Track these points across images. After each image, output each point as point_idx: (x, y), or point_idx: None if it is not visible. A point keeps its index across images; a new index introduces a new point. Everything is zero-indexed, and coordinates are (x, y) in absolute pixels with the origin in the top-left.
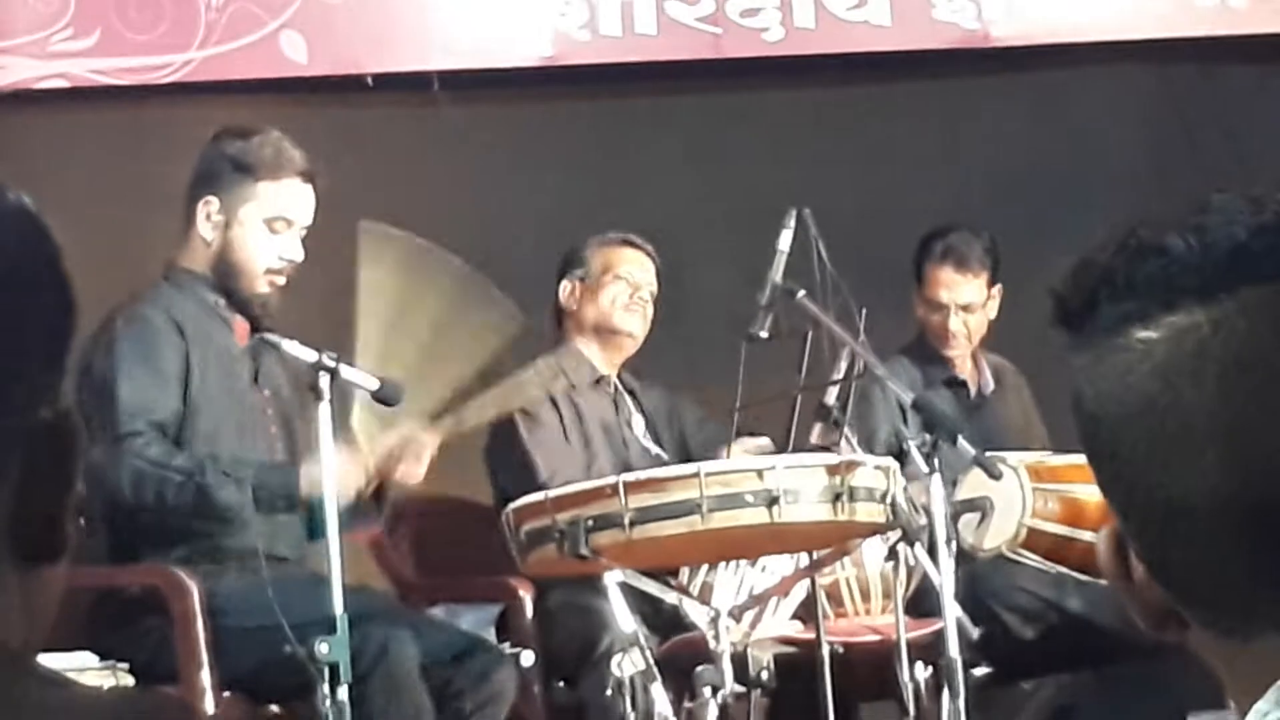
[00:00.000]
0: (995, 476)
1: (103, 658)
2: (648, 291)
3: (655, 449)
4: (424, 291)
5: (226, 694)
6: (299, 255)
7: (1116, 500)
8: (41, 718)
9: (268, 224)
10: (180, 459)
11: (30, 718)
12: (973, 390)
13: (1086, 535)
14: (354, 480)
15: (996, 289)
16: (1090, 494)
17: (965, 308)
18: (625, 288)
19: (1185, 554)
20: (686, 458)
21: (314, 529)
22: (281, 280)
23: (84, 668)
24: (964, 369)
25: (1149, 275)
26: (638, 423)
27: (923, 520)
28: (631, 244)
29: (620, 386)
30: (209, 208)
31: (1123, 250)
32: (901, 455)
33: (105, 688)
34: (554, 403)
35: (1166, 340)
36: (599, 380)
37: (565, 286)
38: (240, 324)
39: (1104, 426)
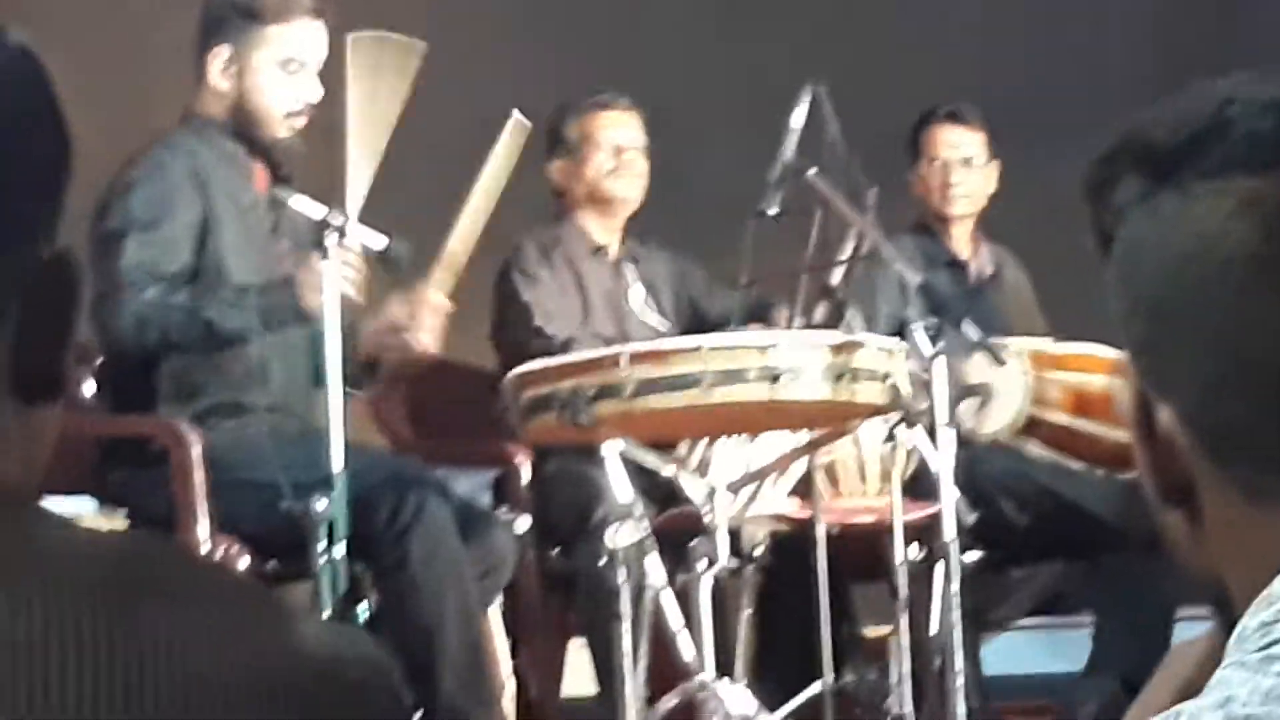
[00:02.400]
0: (1000, 362)
1: (101, 504)
2: (634, 149)
3: (655, 319)
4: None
5: (225, 546)
6: (316, 95)
7: (1180, 353)
8: (42, 555)
9: (281, 67)
10: (180, 295)
11: (31, 555)
12: (972, 273)
13: (1087, 424)
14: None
15: (995, 163)
16: (1092, 382)
17: (966, 162)
18: (609, 153)
19: (1248, 409)
20: (693, 322)
21: (319, 377)
22: (301, 122)
23: (82, 514)
24: (964, 250)
25: (1263, 131)
26: (637, 292)
27: (924, 403)
28: (604, 105)
29: (622, 255)
30: (220, 57)
31: (1232, 101)
32: (903, 336)
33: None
34: (552, 266)
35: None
36: (598, 250)
37: (554, 166)
38: (260, 172)
39: (1193, 274)
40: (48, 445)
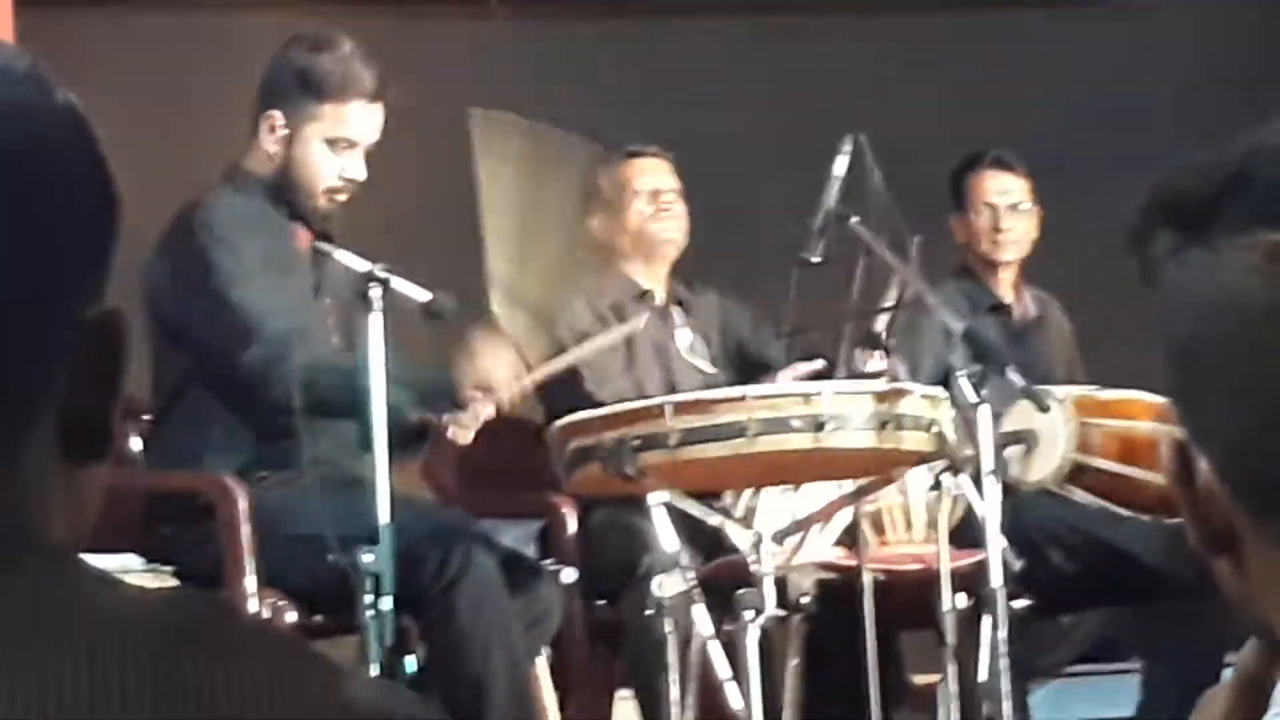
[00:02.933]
0: (1044, 408)
1: (147, 560)
2: (671, 192)
3: (702, 365)
4: (550, 175)
5: (272, 601)
6: (361, 174)
7: (1211, 406)
8: (89, 613)
9: (330, 144)
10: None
11: (78, 613)
12: (1016, 317)
13: (1133, 470)
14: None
15: (1037, 209)
16: (1137, 428)
17: (1014, 208)
18: (646, 199)
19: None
20: (741, 364)
21: (365, 441)
22: (342, 198)
23: (128, 569)
24: (1008, 294)
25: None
26: (683, 337)
27: (969, 450)
28: (636, 154)
29: (669, 300)
30: (272, 121)
31: (1249, 154)
32: (948, 384)
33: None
34: (600, 320)
35: None
36: (643, 295)
37: (594, 221)
38: (303, 233)
39: (1219, 326)
40: (95, 503)
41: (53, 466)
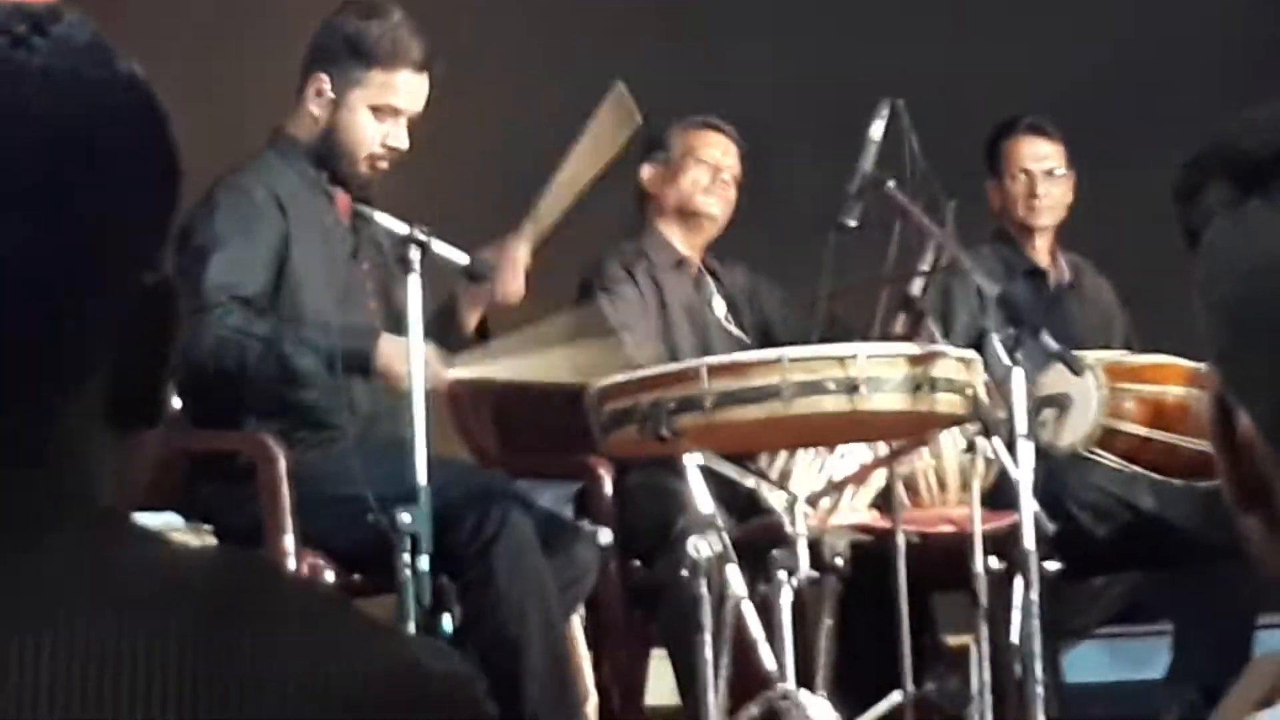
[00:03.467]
0: (1078, 372)
1: (188, 519)
2: (729, 174)
3: (736, 331)
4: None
5: (311, 560)
6: (404, 144)
7: (1258, 361)
8: (139, 573)
9: (374, 111)
10: (261, 326)
11: (129, 572)
12: (1052, 282)
13: (1164, 435)
14: (431, 375)
15: (1072, 173)
16: (1169, 393)
17: (1049, 174)
18: (706, 170)
19: None
20: (768, 339)
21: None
22: (384, 165)
23: (170, 527)
24: (1044, 259)
25: None
26: (719, 305)
27: (1002, 413)
28: (714, 127)
29: (703, 268)
30: (319, 84)
31: None
32: (982, 347)
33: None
34: (635, 282)
35: None
36: (680, 262)
37: (647, 170)
38: (342, 197)
39: (1268, 282)
40: (146, 468)
41: (101, 430)
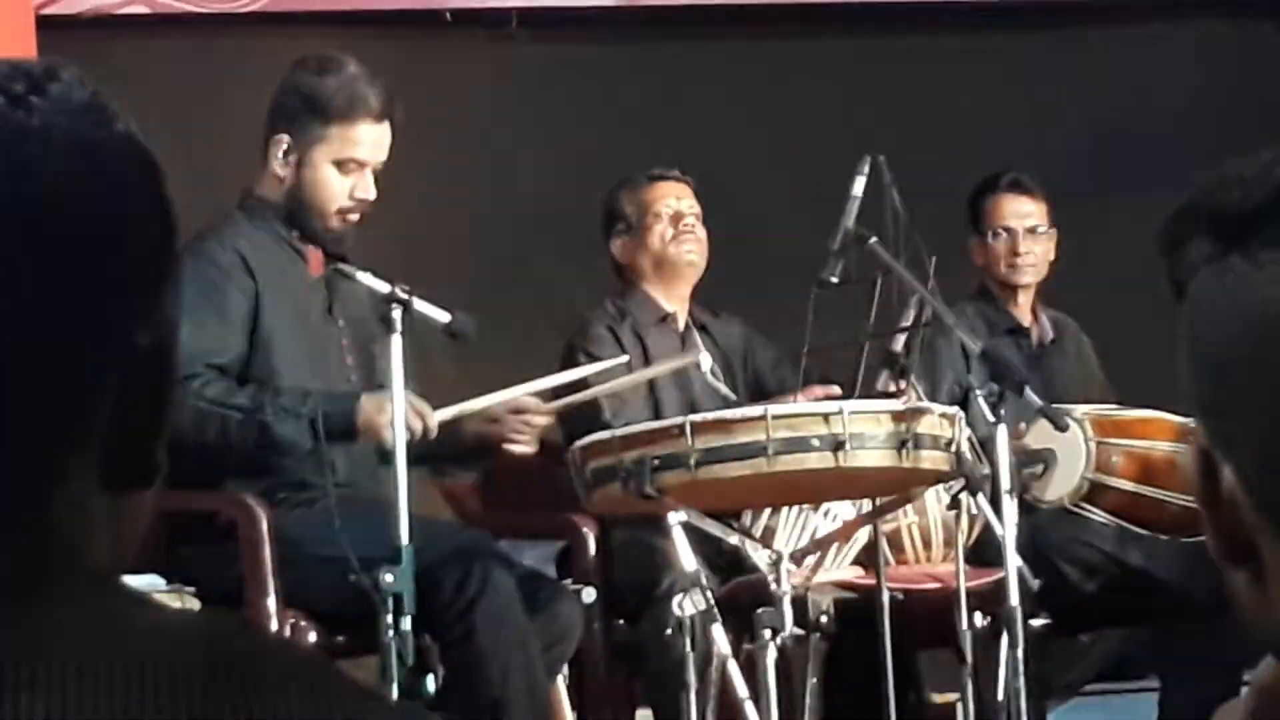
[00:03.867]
0: (1061, 428)
1: (170, 581)
2: (692, 216)
3: (723, 389)
4: None
5: (293, 621)
6: (371, 194)
7: (1241, 415)
8: (130, 635)
9: (338, 165)
10: (241, 396)
11: (120, 635)
12: (1034, 339)
13: (1149, 490)
14: (412, 423)
15: (1054, 231)
16: (1155, 448)
17: (1032, 231)
18: (668, 221)
19: None
20: (759, 397)
21: (384, 456)
22: (354, 217)
23: (152, 589)
24: (1026, 317)
25: None
26: (704, 360)
27: (986, 470)
28: (658, 177)
29: (691, 323)
30: (281, 144)
31: None
32: (965, 404)
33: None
34: (619, 343)
35: None
36: (664, 318)
37: (615, 244)
38: (314, 254)
39: (1257, 337)
40: (139, 529)
41: (96, 492)
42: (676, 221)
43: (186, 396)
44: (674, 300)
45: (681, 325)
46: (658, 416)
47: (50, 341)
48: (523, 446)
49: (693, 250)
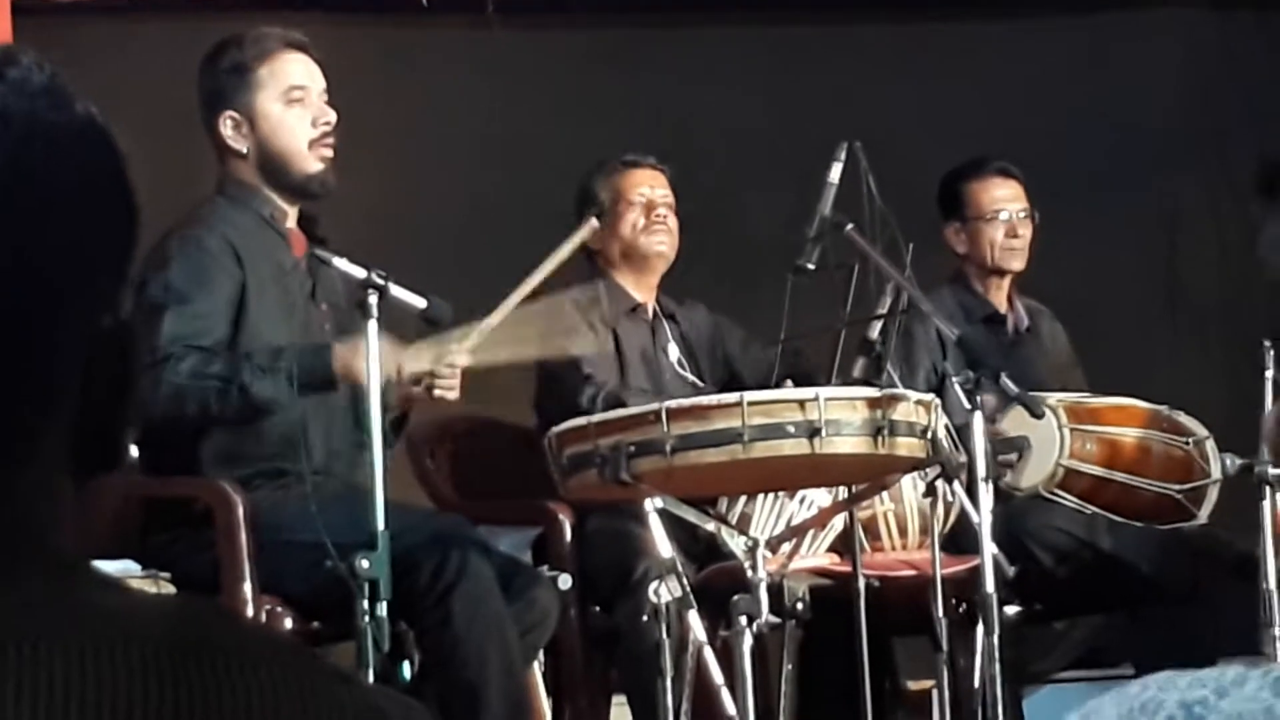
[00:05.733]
0: (1038, 415)
1: (145, 567)
2: (664, 205)
3: (691, 377)
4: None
5: (269, 607)
6: (330, 115)
7: None
8: (99, 619)
9: (284, 100)
10: (215, 366)
11: (89, 618)
12: (1010, 326)
13: (1122, 477)
14: (388, 366)
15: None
16: (1127, 436)
17: (1023, 215)
18: (640, 210)
19: None
20: (730, 380)
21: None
22: (328, 151)
23: (126, 575)
24: (1002, 304)
25: None
26: (673, 350)
27: (962, 457)
28: (633, 164)
29: (660, 312)
30: (228, 120)
31: None
32: (941, 390)
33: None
34: (591, 329)
35: None
36: (635, 308)
37: (586, 228)
38: (296, 236)
39: None
40: (106, 512)
41: (62, 475)
42: (649, 211)
43: (163, 375)
44: (642, 289)
45: (650, 314)
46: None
47: (12, 324)
48: (449, 394)
49: (663, 241)
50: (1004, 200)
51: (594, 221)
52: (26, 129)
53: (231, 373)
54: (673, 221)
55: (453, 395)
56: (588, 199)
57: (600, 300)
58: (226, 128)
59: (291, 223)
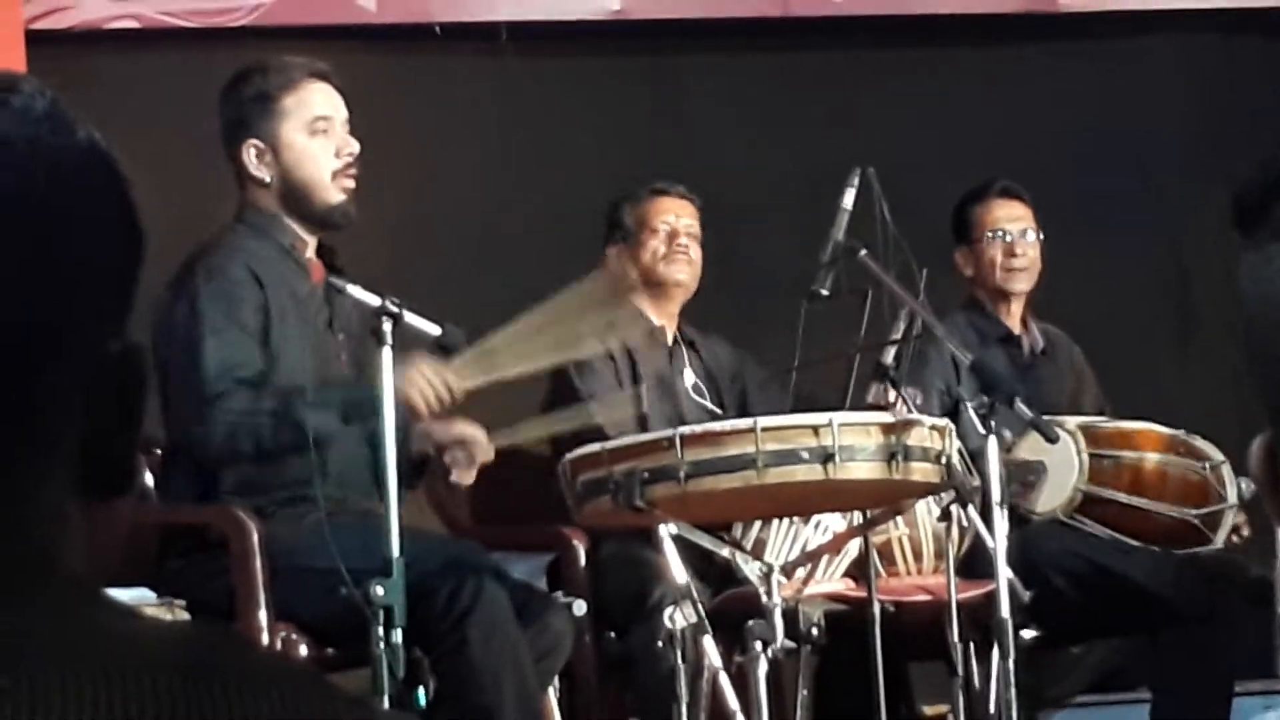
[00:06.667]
0: (1052, 440)
1: (160, 594)
2: (687, 235)
3: (708, 404)
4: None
5: (284, 634)
6: (354, 146)
7: (1271, 404)
8: (110, 644)
9: (309, 131)
10: (268, 402)
11: (99, 644)
12: (1025, 349)
13: (1140, 501)
14: (438, 388)
15: (1042, 237)
16: (1145, 459)
17: (1024, 234)
18: (662, 238)
19: None
20: (744, 415)
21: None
22: (350, 181)
23: (142, 603)
24: (1017, 326)
25: None
26: (689, 377)
27: (976, 481)
28: (660, 192)
29: (679, 338)
30: (251, 149)
31: None
32: (955, 414)
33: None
34: (609, 354)
35: None
36: (653, 332)
37: (610, 253)
38: (316, 266)
39: (1262, 327)
40: (117, 537)
41: (73, 501)
42: (671, 240)
43: (217, 414)
44: (662, 315)
45: (670, 340)
46: (644, 429)
47: (18, 349)
48: (463, 478)
49: (683, 271)
50: (1004, 220)
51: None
52: (29, 155)
53: (284, 406)
54: (695, 252)
55: (466, 480)
56: (613, 224)
57: (616, 328)
58: (249, 156)
59: (311, 253)
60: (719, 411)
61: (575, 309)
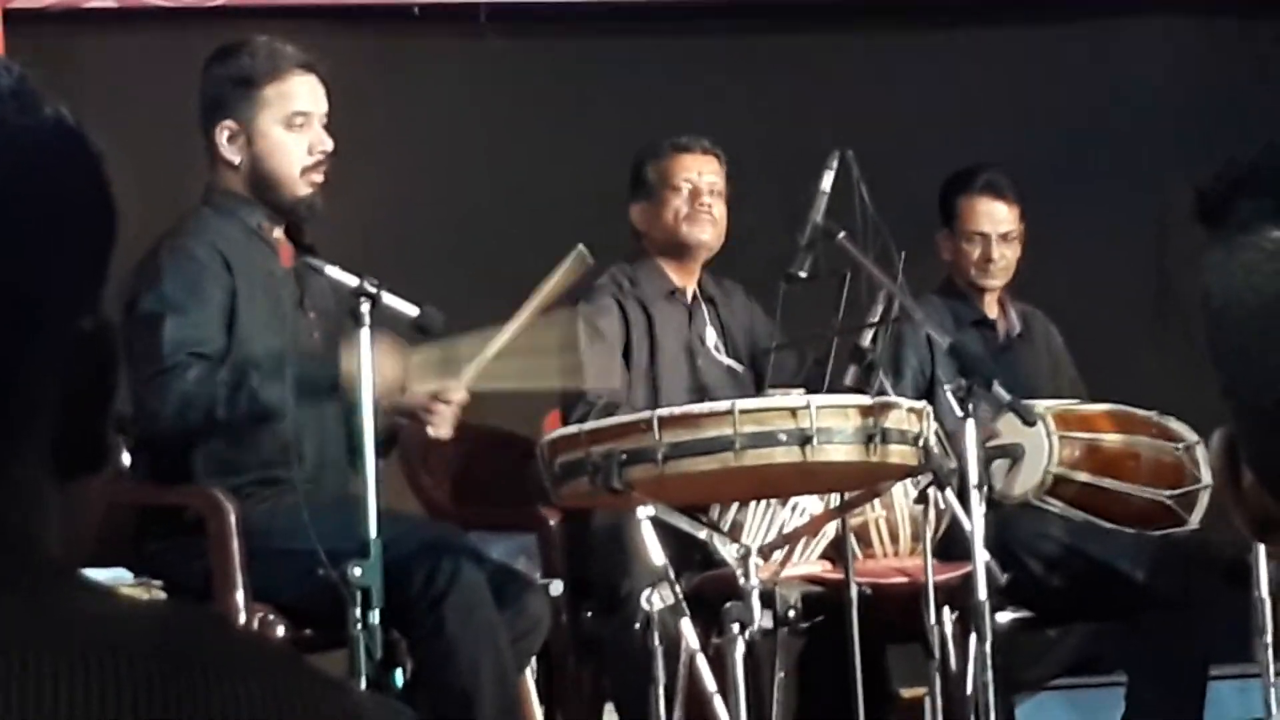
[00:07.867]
0: (1029, 422)
1: (137, 575)
2: (710, 192)
3: (729, 360)
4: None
5: (261, 615)
6: (328, 144)
7: (1234, 399)
8: (87, 625)
9: (286, 125)
10: (222, 374)
11: (76, 625)
12: (1001, 333)
13: (1112, 483)
14: (392, 375)
15: (1023, 231)
16: (1116, 442)
17: (1004, 236)
18: (684, 197)
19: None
20: (759, 373)
21: (356, 458)
22: (320, 177)
23: (119, 583)
24: (993, 310)
25: None
26: (711, 335)
27: (953, 464)
28: (684, 148)
29: (699, 296)
30: (225, 132)
31: (1267, 149)
32: (931, 396)
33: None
34: (624, 314)
35: None
36: (673, 292)
37: (634, 209)
38: (285, 246)
39: (1227, 322)
40: (93, 516)
41: (47, 480)
42: (694, 199)
43: (169, 383)
44: (683, 275)
45: (689, 299)
46: (656, 395)
47: None
48: (440, 430)
49: (706, 231)
50: (986, 221)
51: (581, 249)
52: None
53: (238, 378)
54: (719, 210)
55: (445, 433)
56: (636, 181)
57: (637, 281)
58: (222, 137)
59: (279, 232)
60: (739, 370)
61: (544, 331)
